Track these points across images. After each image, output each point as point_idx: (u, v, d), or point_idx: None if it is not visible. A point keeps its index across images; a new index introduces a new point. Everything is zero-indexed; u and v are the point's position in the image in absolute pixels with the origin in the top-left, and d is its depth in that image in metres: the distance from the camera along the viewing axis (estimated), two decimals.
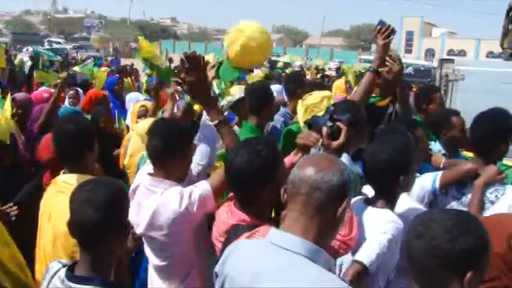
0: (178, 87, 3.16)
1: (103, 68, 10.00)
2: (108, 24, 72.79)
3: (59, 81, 5.29)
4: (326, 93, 3.78)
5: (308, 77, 11.37)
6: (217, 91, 3.40)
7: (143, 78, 8.94)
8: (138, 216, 2.09)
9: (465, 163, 2.50)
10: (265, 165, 1.79)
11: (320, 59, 21.30)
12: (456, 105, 5.14)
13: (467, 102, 4.30)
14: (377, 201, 1.99)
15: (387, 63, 3.02)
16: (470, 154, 3.31)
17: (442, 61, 6.54)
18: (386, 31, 2.75)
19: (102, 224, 1.49)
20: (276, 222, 1.57)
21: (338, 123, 1.99)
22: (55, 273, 1.56)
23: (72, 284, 1.50)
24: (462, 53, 46.44)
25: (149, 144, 2.19)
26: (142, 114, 4.24)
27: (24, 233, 2.30)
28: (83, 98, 5.66)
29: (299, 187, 1.30)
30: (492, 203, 2.18)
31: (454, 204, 2.34)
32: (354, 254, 1.95)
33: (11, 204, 2.48)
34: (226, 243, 1.64)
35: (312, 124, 2.08)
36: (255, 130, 3.00)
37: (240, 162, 1.80)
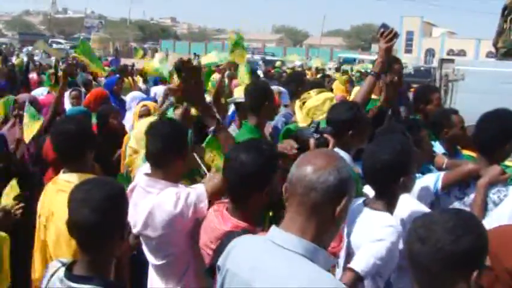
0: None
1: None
2: (108, 24, 72.72)
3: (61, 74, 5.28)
4: (328, 94, 3.78)
5: (308, 77, 11.39)
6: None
7: None
8: (134, 216, 2.09)
9: (467, 163, 2.49)
10: (267, 165, 1.78)
11: (319, 60, 21.33)
12: (456, 105, 5.14)
13: (467, 102, 4.31)
14: (377, 203, 1.98)
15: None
16: (470, 153, 3.32)
17: (442, 61, 6.53)
18: (389, 34, 2.75)
19: (99, 224, 1.49)
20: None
21: (326, 135, 2.00)
22: (54, 272, 1.56)
23: (71, 284, 1.49)
24: (462, 53, 46.42)
25: (147, 143, 2.19)
26: (144, 113, 4.22)
27: (25, 231, 2.30)
28: (84, 98, 5.68)
29: (295, 186, 1.29)
30: (495, 203, 2.17)
31: (456, 205, 2.33)
32: (347, 257, 1.95)
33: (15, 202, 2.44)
34: (220, 250, 1.60)
35: (298, 136, 2.09)
36: (254, 130, 3.00)
37: (243, 159, 1.78)
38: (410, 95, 5.89)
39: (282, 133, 3.48)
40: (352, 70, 16.41)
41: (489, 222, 1.88)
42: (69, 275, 1.52)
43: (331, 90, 7.94)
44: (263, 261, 1.27)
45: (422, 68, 23.56)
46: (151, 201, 2.05)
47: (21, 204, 2.36)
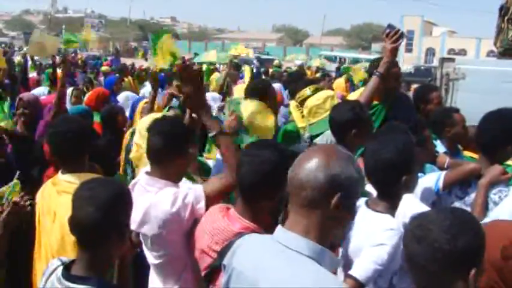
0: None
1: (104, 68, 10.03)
2: (108, 23, 72.73)
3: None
4: (329, 92, 3.77)
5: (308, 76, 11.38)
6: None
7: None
8: (133, 214, 2.08)
9: (468, 163, 2.48)
10: (286, 165, 1.74)
11: (318, 59, 21.34)
12: (457, 104, 5.13)
13: (468, 101, 4.30)
14: (378, 204, 1.97)
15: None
16: (470, 154, 3.31)
17: (443, 60, 6.52)
18: (395, 35, 2.73)
19: (102, 223, 1.49)
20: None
21: None
22: (53, 271, 1.56)
23: (67, 283, 1.49)
24: (463, 52, 46.38)
25: (149, 140, 2.17)
26: (146, 111, 4.24)
27: (24, 229, 2.30)
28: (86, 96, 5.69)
29: (291, 186, 1.28)
30: (495, 203, 2.15)
31: (457, 204, 2.32)
32: (346, 260, 1.93)
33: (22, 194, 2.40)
34: (224, 251, 1.56)
35: (294, 154, 2.06)
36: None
37: (264, 157, 1.74)
38: (410, 94, 5.90)
39: (281, 134, 3.48)
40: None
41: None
42: (67, 274, 1.52)
43: (331, 89, 7.93)
44: (268, 261, 1.26)
45: (422, 68, 23.62)
46: (149, 200, 2.05)
47: (27, 197, 2.33)
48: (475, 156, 3.20)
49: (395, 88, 3.24)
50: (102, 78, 9.57)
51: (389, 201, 1.95)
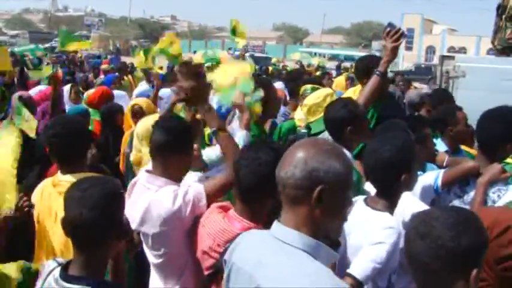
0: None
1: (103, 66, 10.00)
2: (108, 22, 72.63)
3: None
4: (328, 91, 3.77)
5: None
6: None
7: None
8: (133, 212, 2.08)
9: (467, 161, 2.47)
10: (273, 175, 1.74)
11: (317, 58, 21.36)
12: (457, 102, 5.12)
13: (468, 99, 4.29)
14: (377, 202, 1.96)
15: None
16: (468, 149, 3.30)
17: (443, 58, 6.52)
18: (395, 34, 2.71)
19: (95, 223, 1.47)
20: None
21: None
22: (50, 272, 1.55)
23: (64, 284, 1.49)
24: (463, 50, 46.31)
25: (152, 136, 2.18)
26: (138, 112, 4.19)
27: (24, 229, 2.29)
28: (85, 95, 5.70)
29: (278, 185, 1.29)
30: (494, 202, 2.15)
31: (456, 203, 2.32)
32: (345, 258, 1.93)
33: (21, 195, 2.36)
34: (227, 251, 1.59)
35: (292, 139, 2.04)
36: (255, 128, 2.97)
37: (262, 159, 1.75)
38: (411, 92, 5.89)
39: (276, 132, 3.47)
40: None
41: None
42: (64, 275, 1.51)
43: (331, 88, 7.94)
44: (265, 255, 1.27)
45: (422, 66, 23.60)
46: (149, 198, 2.04)
47: (25, 198, 2.33)
48: (473, 151, 3.19)
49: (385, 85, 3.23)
50: (102, 77, 9.55)
51: (388, 199, 1.95)
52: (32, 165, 3.15)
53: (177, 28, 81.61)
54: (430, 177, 2.40)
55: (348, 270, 1.82)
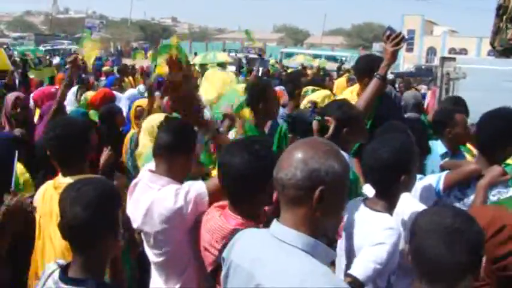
0: None
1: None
2: (109, 24, 72.80)
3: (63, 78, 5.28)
4: (326, 92, 3.77)
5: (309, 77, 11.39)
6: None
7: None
8: (135, 211, 2.10)
9: (469, 164, 2.46)
10: (260, 166, 1.74)
11: (317, 60, 21.38)
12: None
13: (469, 101, 4.28)
14: (377, 204, 1.96)
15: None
16: (474, 149, 3.28)
17: (444, 59, 6.51)
18: (395, 38, 2.70)
19: (91, 222, 1.47)
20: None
21: (327, 118, 1.96)
22: (50, 274, 1.55)
23: (64, 286, 1.48)
24: (464, 51, 46.25)
25: (157, 136, 2.20)
26: (140, 114, 4.23)
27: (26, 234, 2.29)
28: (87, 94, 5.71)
29: (276, 186, 1.31)
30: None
31: (456, 205, 2.31)
32: (348, 257, 1.92)
33: (27, 195, 2.37)
34: (225, 247, 1.62)
35: (297, 118, 2.03)
36: (253, 129, 2.97)
37: (234, 163, 1.77)
38: (411, 93, 5.89)
39: (278, 133, 3.46)
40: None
41: None
42: (64, 277, 1.51)
43: (331, 89, 7.94)
44: (263, 253, 1.29)
45: (423, 67, 23.60)
46: (151, 197, 2.06)
47: (30, 200, 2.32)
48: (472, 148, 3.19)
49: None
50: (103, 79, 9.58)
51: (387, 200, 1.95)
52: (35, 167, 3.15)
53: (177, 30, 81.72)
54: (432, 180, 2.39)
55: (349, 271, 1.83)
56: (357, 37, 70.13)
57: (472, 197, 2.25)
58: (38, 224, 2.28)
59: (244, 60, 20.43)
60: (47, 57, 14.57)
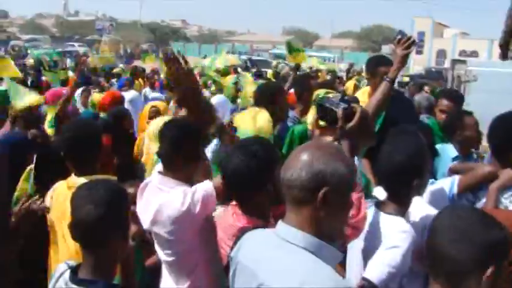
0: None
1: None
2: (119, 26, 73.27)
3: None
4: (337, 96, 3.75)
5: (319, 80, 11.38)
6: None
7: None
8: (145, 212, 2.14)
9: (483, 167, 2.43)
10: (261, 167, 1.81)
11: (315, 59, 21.26)
12: (469, 106, 5.08)
13: (480, 104, 4.25)
14: (390, 207, 1.95)
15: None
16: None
17: (454, 62, 6.48)
18: (406, 42, 2.69)
19: (103, 220, 1.49)
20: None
21: (353, 105, 1.90)
22: (60, 275, 1.56)
23: (74, 287, 1.50)
24: (474, 53, 45.82)
25: (160, 146, 2.24)
26: (154, 115, 4.26)
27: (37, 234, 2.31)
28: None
29: (282, 186, 1.32)
30: (506, 208, 2.12)
31: None
32: (360, 259, 1.91)
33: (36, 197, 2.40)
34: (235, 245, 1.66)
35: (323, 103, 1.96)
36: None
37: (234, 165, 1.83)
38: (419, 96, 5.84)
39: (289, 135, 3.45)
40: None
41: None
42: (74, 278, 1.52)
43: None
44: (267, 253, 1.31)
45: (433, 70, 23.45)
46: (161, 199, 2.09)
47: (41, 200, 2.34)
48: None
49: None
50: (114, 80, 9.65)
51: (400, 203, 1.94)
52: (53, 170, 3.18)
53: (187, 32, 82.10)
54: (445, 184, 2.36)
55: (364, 274, 1.82)
56: (366, 39, 69.86)
57: (484, 200, 2.22)
58: (51, 225, 2.30)
59: (249, 64, 20.50)
60: (66, 59, 14.78)
